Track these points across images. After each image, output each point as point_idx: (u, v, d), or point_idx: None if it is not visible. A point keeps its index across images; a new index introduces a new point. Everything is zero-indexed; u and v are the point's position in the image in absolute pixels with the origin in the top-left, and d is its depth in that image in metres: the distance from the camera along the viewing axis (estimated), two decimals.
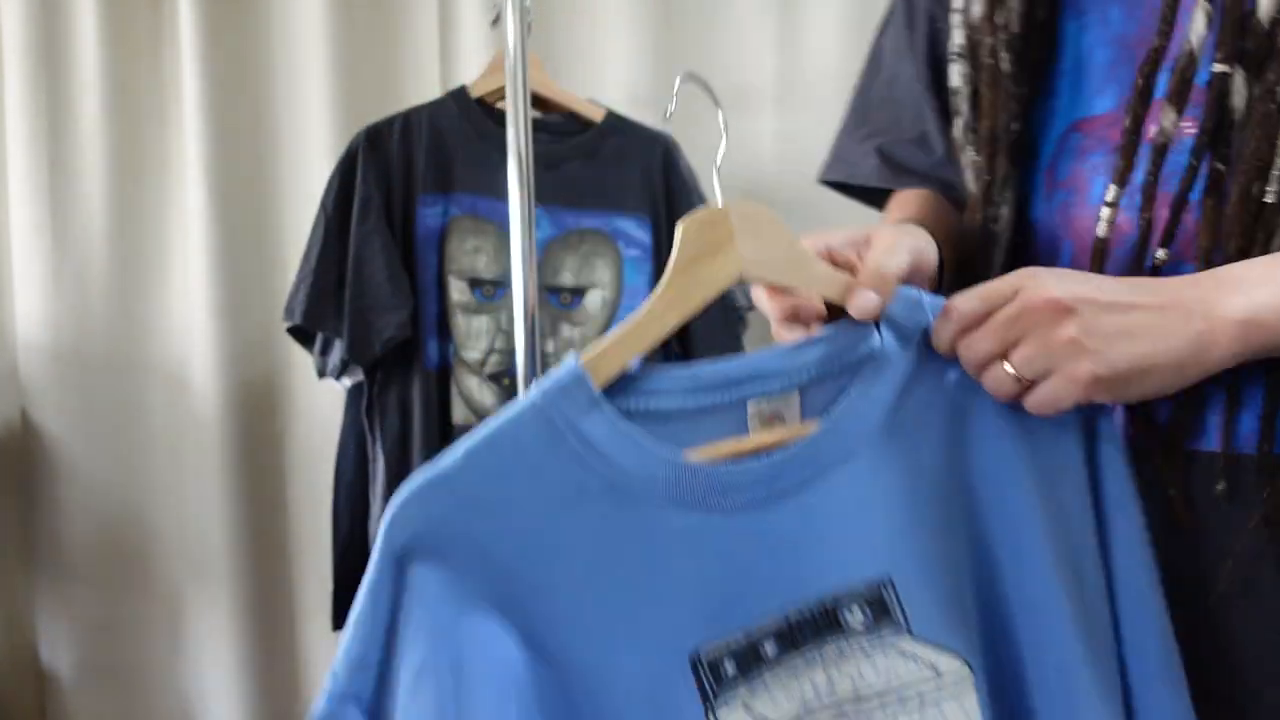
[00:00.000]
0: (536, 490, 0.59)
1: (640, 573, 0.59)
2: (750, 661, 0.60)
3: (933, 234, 0.69)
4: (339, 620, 1.36)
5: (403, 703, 0.56)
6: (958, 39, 0.73)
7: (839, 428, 0.61)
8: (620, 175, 1.37)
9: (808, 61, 1.55)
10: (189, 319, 1.65)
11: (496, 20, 1.19)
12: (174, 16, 1.63)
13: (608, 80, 1.54)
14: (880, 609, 0.60)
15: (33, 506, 1.70)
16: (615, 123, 1.39)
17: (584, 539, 0.59)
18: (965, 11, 0.73)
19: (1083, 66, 0.69)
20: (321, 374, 1.37)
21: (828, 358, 0.62)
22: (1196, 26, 0.62)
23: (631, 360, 0.61)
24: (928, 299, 0.62)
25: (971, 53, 0.72)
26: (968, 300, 0.57)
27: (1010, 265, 0.68)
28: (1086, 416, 0.63)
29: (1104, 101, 0.67)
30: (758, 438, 0.61)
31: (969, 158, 0.73)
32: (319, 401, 1.63)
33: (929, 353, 0.61)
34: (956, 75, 0.73)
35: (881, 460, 0.61)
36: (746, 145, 1.51)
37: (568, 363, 0.60)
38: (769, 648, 0.60)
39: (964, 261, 0.76)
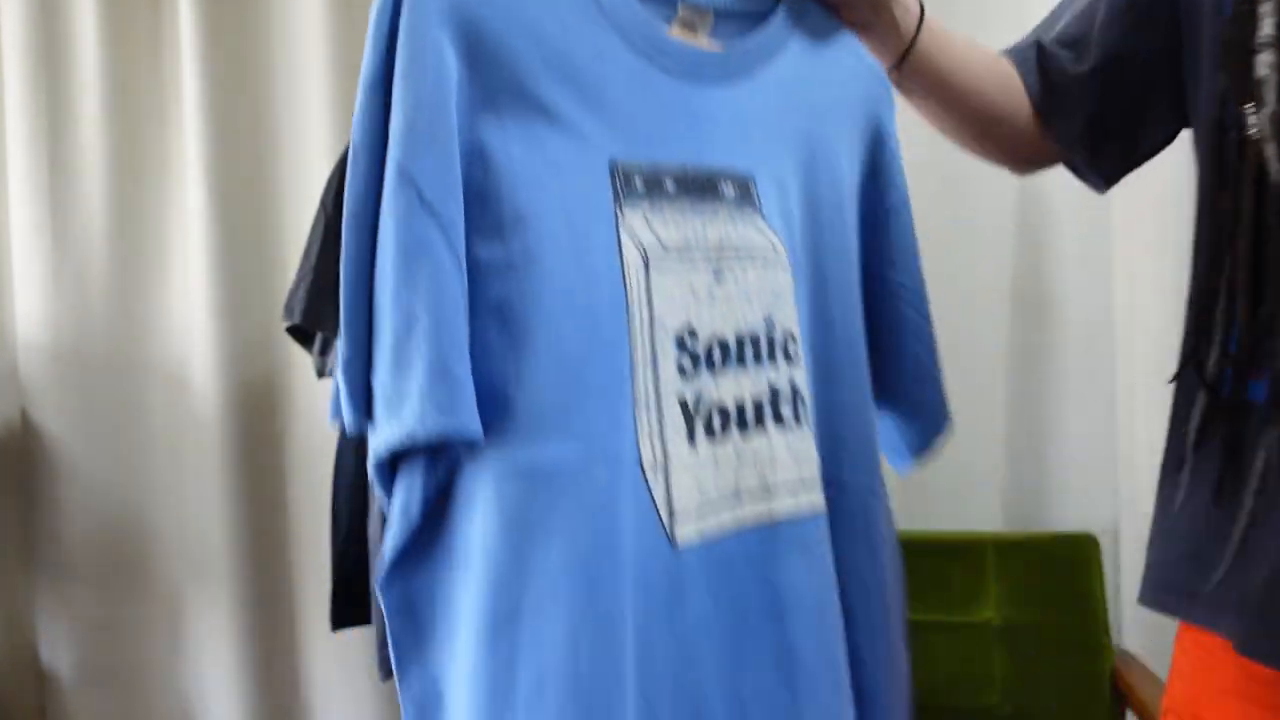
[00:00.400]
0: None
1: (589, 81, 0.72)
2: (654, 187, 0.74)
3: (975, 69, 0.85)
4: (338, 620, 1.35)
5: (400, 85, 0.69)
6: (1267, 28, 0.70)
7: (746, 54, 0.79)
8: None
9: None
10: (189, 319, 1.65)
11: None
12: (174, 16, 1.63)
13: None
14: (744, 192, 0.78)
15: (33, 506, 1.70)
16: None
17: (560, 33, 0.71)
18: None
19: None
20: (321, 374, 1.37)
21: (737, 1, 0.81)
22: None
23: None
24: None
25: None
26: None
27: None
28: (884, 95, 0.88)
29: None
30: (678, 33, 0.78)
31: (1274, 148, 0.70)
32: (319, 401, 1.63)
33: (809, 34, 0.83)
34: (1263, 65, 0.70)
35: (764, 93, 0.80)
36: None
37: None
38: (670, 185, 0.75)
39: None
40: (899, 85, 0.91)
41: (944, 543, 1.48)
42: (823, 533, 0.78)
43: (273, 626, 1.70)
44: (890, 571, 0.85)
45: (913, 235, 0.92)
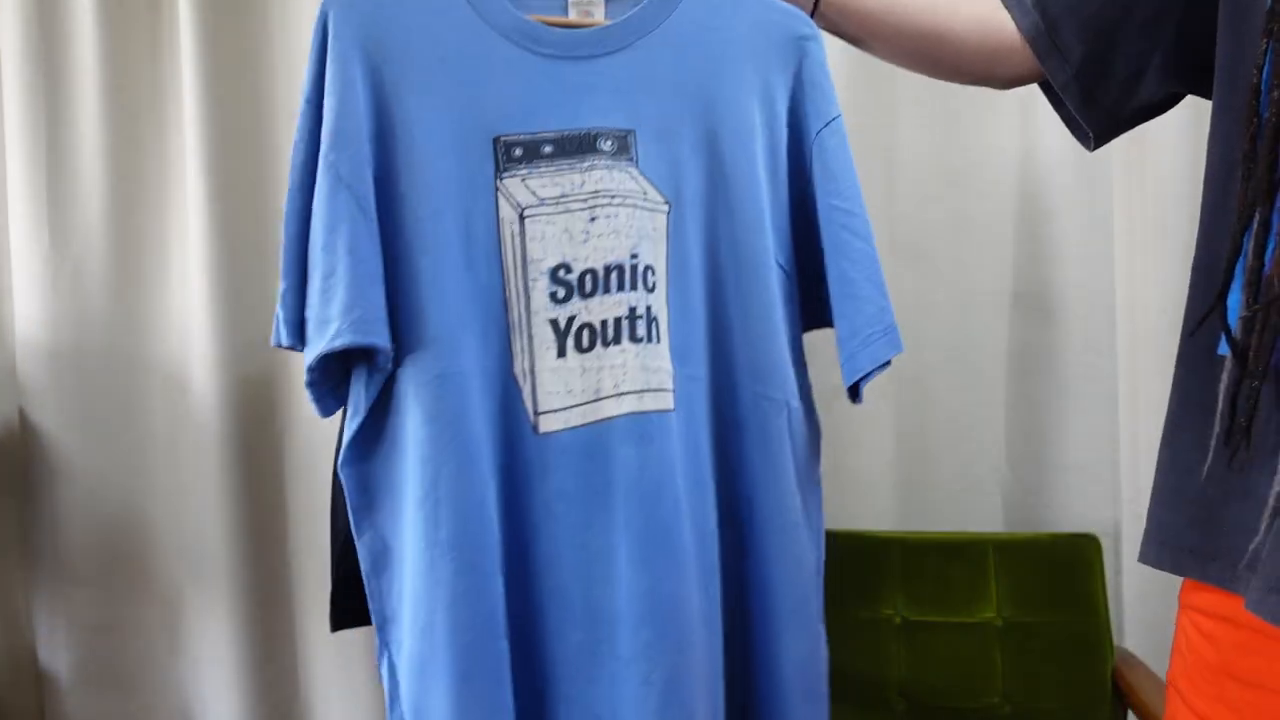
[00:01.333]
0: (424, 1, 0.92)
1: (474, 75, 0.91)
2: (532, 153, 0.92)
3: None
4: (338, 621, 1.35)
5: (326, 101, 0.91)
6: None
7: (626, 25, 0.94)
8: None
9: None
10: (188, 319, 1.65)
11: None
12: (173, 16, 1.62)
13: None
14: (622, 145, 0.93)
15: (31, 507, 1.69)
16: None
17: (446, 40, 0.91)
18: None
19: None
20: None
21: None
22: None
23: None
24: None
25: None
26: None
27: None
28: (799, 39, 0.97)
29: None
30: (573, 19, 0.95)
31: None
32: None
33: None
34: None
35: (649, 56, 0.94)
36: None
37: None
38: (547, 149, 0.92)
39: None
40: (826, 28, 0.96)
41: (945, 543, 1.48)
42: (666, 428, 0.94)
43: (273, 626, 1.69)
44: (787, 469, 0.98)
45: (845, 163, 1.01)
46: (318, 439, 1.62)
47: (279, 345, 0.92)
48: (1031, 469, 1.56)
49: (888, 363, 0.99)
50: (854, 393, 1.01)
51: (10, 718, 1.71)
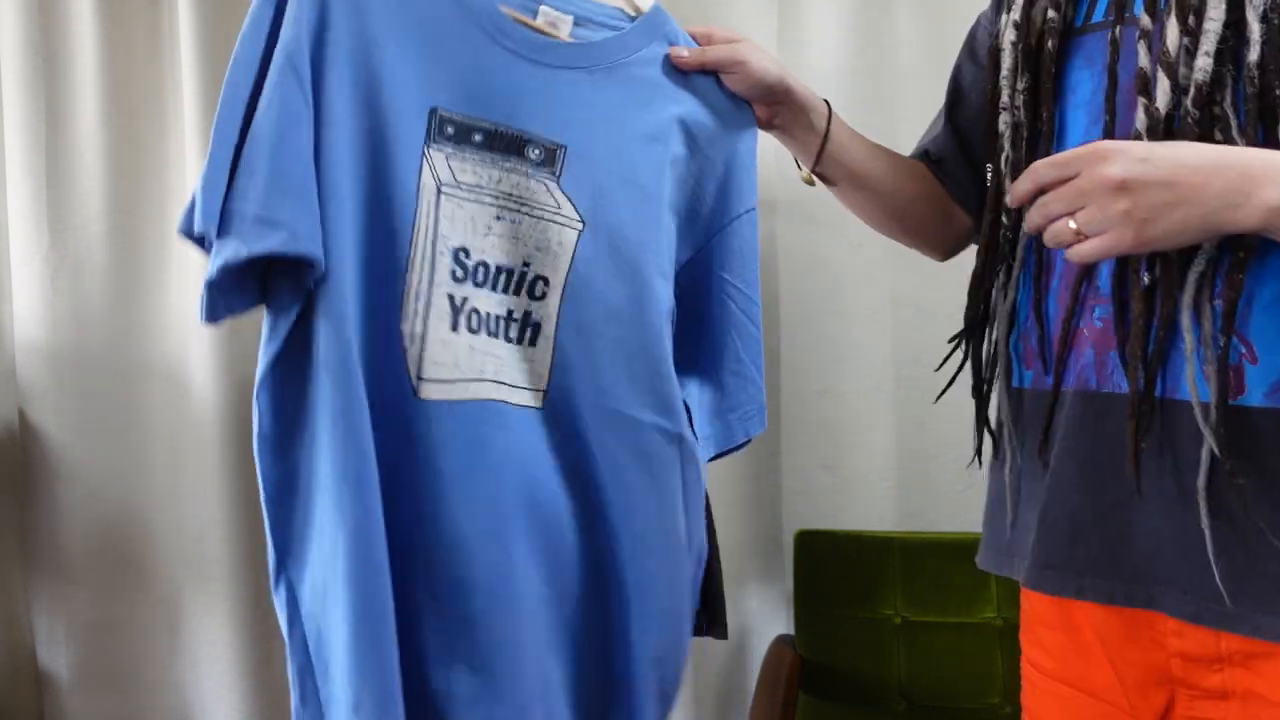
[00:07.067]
0: None
1: (434, 43, 0.92)
2: (463, 136, 0.94)
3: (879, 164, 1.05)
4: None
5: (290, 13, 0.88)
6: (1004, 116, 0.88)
7: (590, 49, 0.99)
8: None
9: (808, 61, 1.55)
10: (188, 319, 1.65)
11: None
12: (173, 16, 1.63)
13: None
14: (549, 157, 0.97)
15: (31, 507, 1.69)
16: None
17: (419, 5, 0.92)
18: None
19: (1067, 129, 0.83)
20: None
21: (594, 13, 1.01)
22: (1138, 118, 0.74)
23: None
24: (676, 29, 1.03)
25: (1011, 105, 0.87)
26: (1047, 169, 0.72)
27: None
28: (739, 124, 1.04)
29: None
30: (537, 24, 0.98)
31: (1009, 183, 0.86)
32: None
33: (657, 46, 1.01)
34: (1002, 123, 0.88)
35: (602, 84, 0.99)
36: None
37: None
38: (477, 137, 0.94)
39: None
40: (823, 178, 1.07)
41: (946, 543, 1.48)
42: (526, 421, 0.98)
43: (272, 626, 1.69)
44: (675, 495, 1.03)
45: (753, 250, 1.07)
46: None
47: (186, 233, 0.85)
48: None
49: (749, 439, 1.10)
50: (713, 458, 1.09)
51: (10, 718, 1.71)
